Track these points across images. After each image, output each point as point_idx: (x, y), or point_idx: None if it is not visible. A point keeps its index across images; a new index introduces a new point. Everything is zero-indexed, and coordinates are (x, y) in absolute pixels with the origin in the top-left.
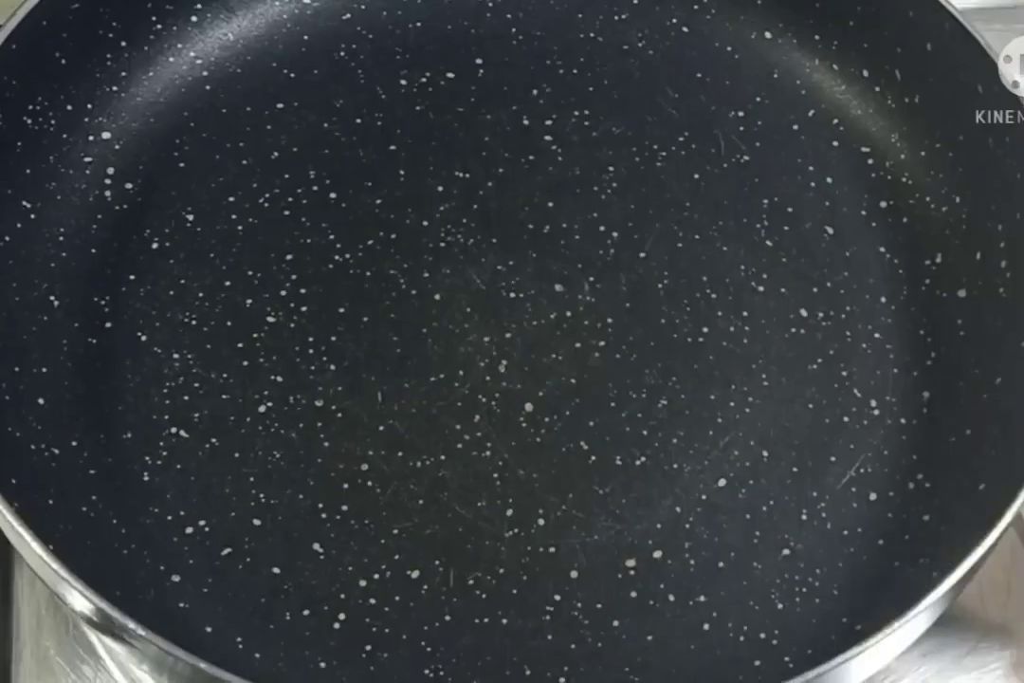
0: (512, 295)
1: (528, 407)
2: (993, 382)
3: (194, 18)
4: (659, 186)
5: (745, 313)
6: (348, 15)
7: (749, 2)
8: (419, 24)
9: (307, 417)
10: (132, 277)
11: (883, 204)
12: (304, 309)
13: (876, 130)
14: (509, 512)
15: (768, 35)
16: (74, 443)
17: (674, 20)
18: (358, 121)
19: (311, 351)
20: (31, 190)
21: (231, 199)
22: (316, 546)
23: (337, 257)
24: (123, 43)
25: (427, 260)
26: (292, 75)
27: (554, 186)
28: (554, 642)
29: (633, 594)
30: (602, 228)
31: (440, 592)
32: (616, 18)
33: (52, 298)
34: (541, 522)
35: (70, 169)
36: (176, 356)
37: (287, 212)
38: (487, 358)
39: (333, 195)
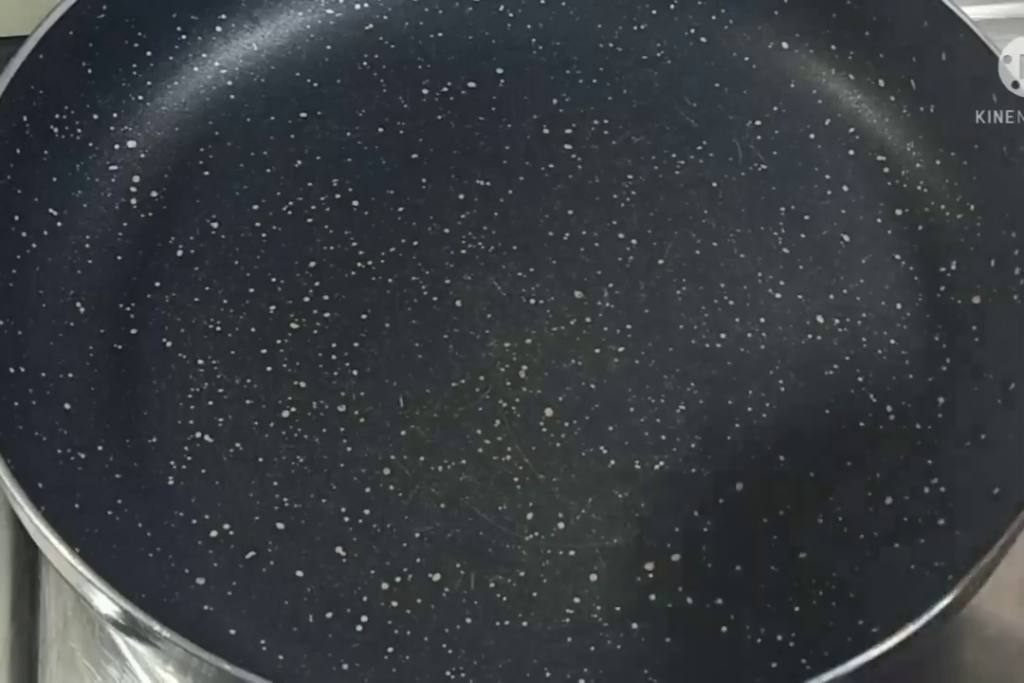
0: (532, 301)
1: (548, 412)
2: (1007, 388)
3: (218, 28)
4: (677, 194)
5: (762, 319)
6: (371, 26)
7: (766, 13)
8: (440, 35)
9: (330, 422)
10: (157, 284)
11: (898, 212)
12: (327, 315)
13: (892, 139)
14: (529, 516)
15: (785, 45)
16: (100, 448)
17: (692, 30)
18: (380, 130)
19: (334, 357)
20: (57, 198)
21: (255, 207)
22: (339, 549)
23: (360, 264)
24: (148, 53)
25: (448, 267)
26: (315, 85)
27: (574, 194)
28: (574, 644)
29: (652, 597)
30: (621, 235)
31: (461, 595)
32: (635, 29)
33: (78, 305)
34: (561, 526)
35: (96, 177)
36: (201, 362)
37: (310, 220)
38: (508, 363)
39: (355, 203)
